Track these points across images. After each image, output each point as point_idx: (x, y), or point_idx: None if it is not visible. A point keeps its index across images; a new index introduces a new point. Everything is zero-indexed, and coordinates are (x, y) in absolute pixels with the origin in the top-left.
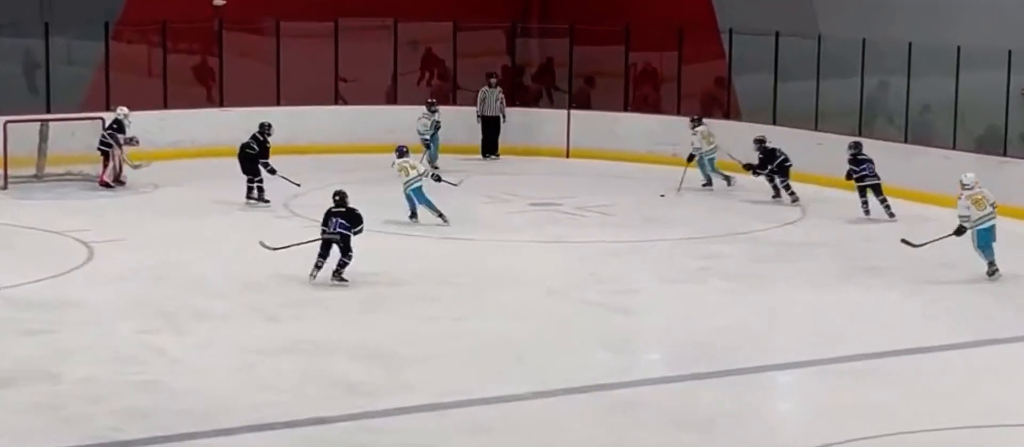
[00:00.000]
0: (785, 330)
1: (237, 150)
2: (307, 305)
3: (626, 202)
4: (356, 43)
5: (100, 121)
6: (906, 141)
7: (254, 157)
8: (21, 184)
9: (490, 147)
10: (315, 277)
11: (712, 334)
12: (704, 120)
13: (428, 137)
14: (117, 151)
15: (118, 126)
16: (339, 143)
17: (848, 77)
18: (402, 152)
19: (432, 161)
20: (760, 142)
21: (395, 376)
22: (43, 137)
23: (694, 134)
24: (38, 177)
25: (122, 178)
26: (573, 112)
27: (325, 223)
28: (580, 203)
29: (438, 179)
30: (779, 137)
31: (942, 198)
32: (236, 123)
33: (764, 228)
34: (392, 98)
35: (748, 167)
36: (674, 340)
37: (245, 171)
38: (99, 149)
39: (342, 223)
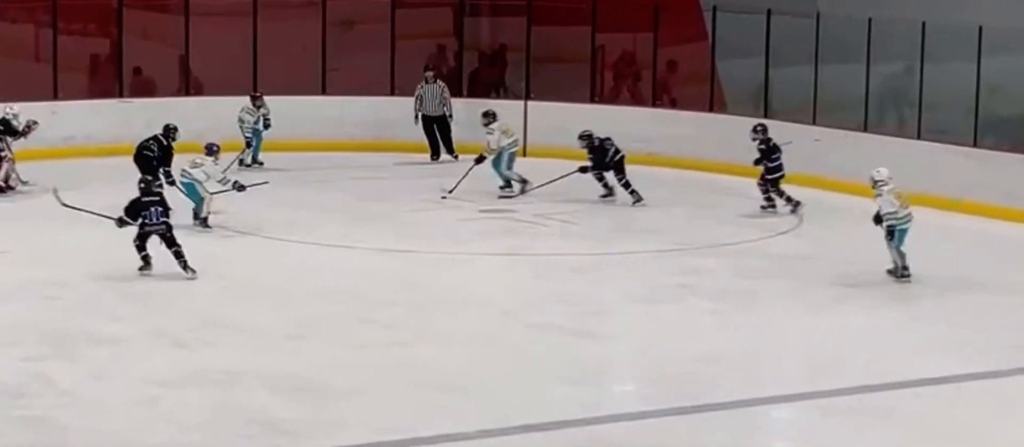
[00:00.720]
0: (776, 358)
1: (134, 149)
2: (220, 329)
3: (592, 208)
4: (279, 23)
5: None
6: (919, 137)
7: (152, 159)
8: None
9: (445, 147)
10: (147, 271)
11: (692, 363)
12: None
13: (250, 134)
14: (8, 153)
15: (5, 126)
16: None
17: (851, 63)
18: (212, 150)
19: (254, 160)
20: (587, 138)
21: (323, 412)
22: None
23: (491, 132)
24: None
25: (12, 182)
26: (531, 103)
27: (136, 214)
28: (538, 210)
29: (242, 188)
30: (771, 131)
31: (965, 204)
32: (138, 115)
33: (752, 239)
34: (322, 87)
35: (582, 169)
36: (648, 370)
37: (144, 173)
38: None
39: (161, 211)
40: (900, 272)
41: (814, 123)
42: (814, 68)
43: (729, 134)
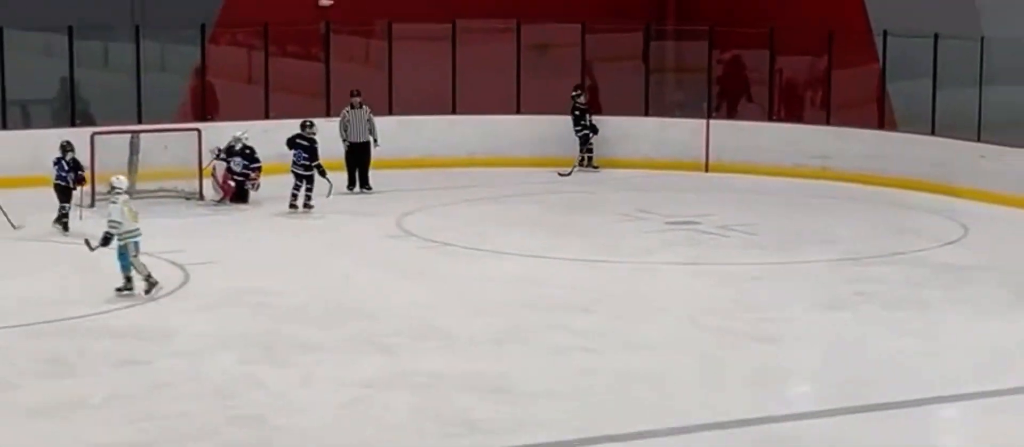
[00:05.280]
0: (949, 361)
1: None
2: (424, 334)
3: (772, 220)
4: (476, 47)
5: (196, 133)
6: None
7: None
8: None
9: (360, 180)
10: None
11: (867, 366)
12: None
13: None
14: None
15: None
16: (456, 156)
17: (1016, 84)
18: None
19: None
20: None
21: (521, 412)
22: (134, 150)
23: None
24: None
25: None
26: (713, 122)
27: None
28: (721, 221)
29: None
30: (939, 151)
31: None
32: (335, 134)
33: (922, 249)
34: (516, 107)
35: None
36: (824, 372)
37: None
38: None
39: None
40: (126, 287)
41: (979, 140)
42: (978, 88)
43: (899, 150)
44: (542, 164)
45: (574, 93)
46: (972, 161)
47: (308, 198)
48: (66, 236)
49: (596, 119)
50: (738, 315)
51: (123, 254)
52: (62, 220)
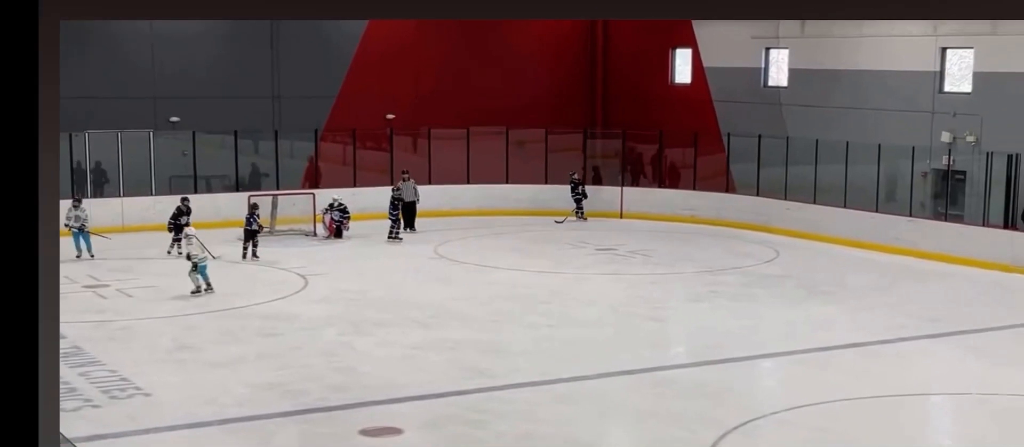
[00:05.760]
0: (767, 333)
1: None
2: (449, 316)
3: (661, 247)
4: (481, 142)
5: (312, 196)
6: (845, 206)
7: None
8: (260, 237)
9: (410, 224)
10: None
11: (718, 335)
12: None
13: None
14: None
15: (330, 207)
16: (469, 209)
17: (808, 164)
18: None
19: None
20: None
21: (508, 363)
22: (274, 206)
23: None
24: (271, 232)
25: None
26: (625, 188)
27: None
28: (630, 248)
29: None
30: (761, 205)
31: (866, 243)
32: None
33: (752, 264)
34: (506, 179)
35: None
36: (692, 339)
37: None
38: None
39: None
40: (207, 290)
41: (786, 198)
42: (785, 167)
43: (737, 205)
44: (523, 214)
45: (571, 173)
46: (782, 211)
47: (397, 232)
48: (247, 260)
49: (565, 188)
50: (640, 305)
51: (202, 271)
52: (246, 249)
